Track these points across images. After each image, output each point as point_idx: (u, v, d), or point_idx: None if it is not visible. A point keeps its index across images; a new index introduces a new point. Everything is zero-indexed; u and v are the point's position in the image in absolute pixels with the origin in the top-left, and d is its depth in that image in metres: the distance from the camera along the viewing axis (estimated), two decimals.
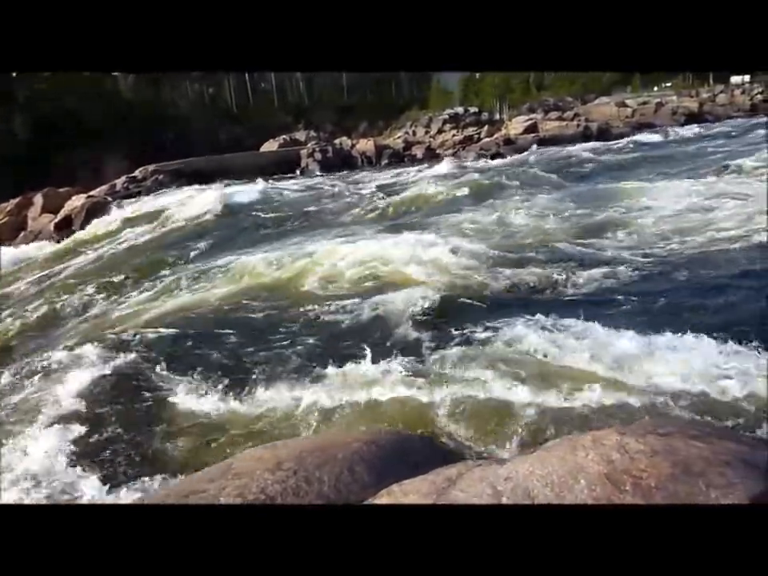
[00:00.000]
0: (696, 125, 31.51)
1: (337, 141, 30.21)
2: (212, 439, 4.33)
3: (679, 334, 4.69)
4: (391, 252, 8.27)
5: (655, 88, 50.93)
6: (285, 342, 5.91)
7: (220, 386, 5.07)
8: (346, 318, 6.35)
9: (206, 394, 4.96)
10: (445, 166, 19.97)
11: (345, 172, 23.77)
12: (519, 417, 3.99)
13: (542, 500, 2.01)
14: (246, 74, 42.79)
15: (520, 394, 4.22)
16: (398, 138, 31.89)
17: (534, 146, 25.34)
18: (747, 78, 51.52)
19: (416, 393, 4.45)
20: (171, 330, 6.48)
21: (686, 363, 4.32)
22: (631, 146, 22.64)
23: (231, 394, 4.90)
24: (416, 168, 21.94)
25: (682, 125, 32.76)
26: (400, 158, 28.03)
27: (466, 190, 14.14)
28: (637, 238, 8.41)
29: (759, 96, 43.24)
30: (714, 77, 53.98)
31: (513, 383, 4.40)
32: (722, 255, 7.10)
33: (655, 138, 25.34)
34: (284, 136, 32.22)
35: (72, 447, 4.32)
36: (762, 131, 22.53)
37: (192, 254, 11.01)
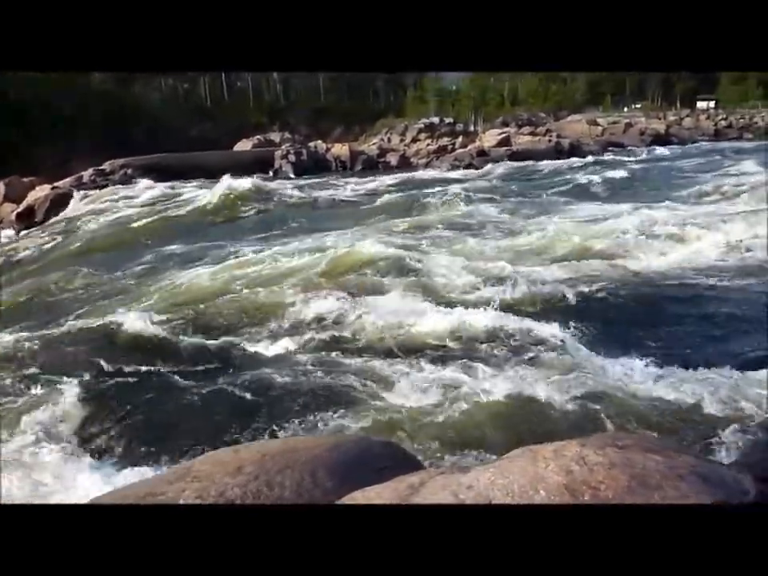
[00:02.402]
0: (664, 146, 32.59)
1: (312, 144, 30.09)
2: None
3: (636, 358, 4.85)
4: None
5: (625, 109, 52.22)
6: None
7: None
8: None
9: None
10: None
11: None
12: (483, 427, 4.02)
13: None
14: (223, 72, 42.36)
15: (484, 405, 4.26)
16: (373, 144, 31.93)
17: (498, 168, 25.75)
18: (713, 104, 53.30)
19: (383, 399, 4.46)
20: None
21: (643, 383, 4.44)
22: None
23: None
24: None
25: (649, 145, 33.73)
26: (374, 165, 28.08)
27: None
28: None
29: (723, 122, 44.80)
30: (680, 101, 55.67)
31: (477, 392, 4.44)
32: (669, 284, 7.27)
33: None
34: (258, 136, 31.92)
35: None
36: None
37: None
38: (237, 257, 9.20)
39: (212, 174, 21.10)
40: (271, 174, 25.18)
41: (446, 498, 2.10)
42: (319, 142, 30.74)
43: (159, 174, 21.06)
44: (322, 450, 2.84)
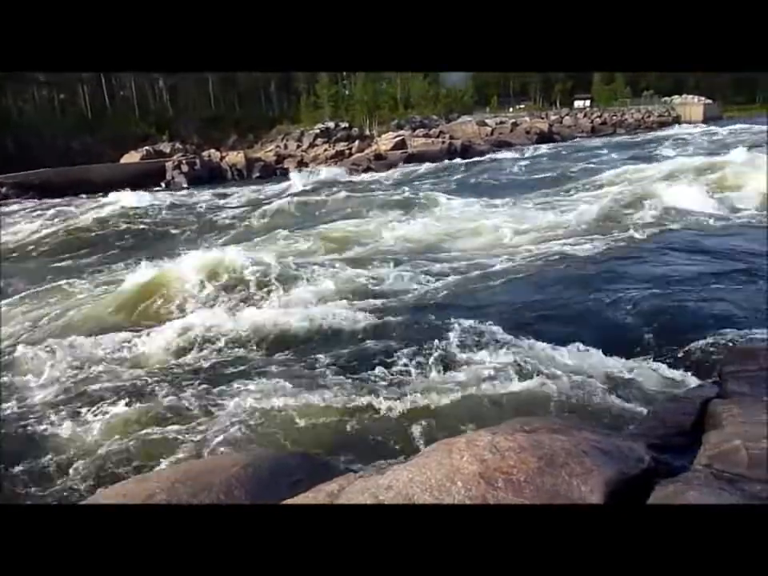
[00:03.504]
0: (548, 143, 34.71)
1: (205, 153, 29.17)
2: None
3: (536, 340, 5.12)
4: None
5: (511, 109, 54.94)
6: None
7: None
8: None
9: None
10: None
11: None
12: (398, 425, 4.06)
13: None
14: (103, 80, 40.01)
15: (399, 403, 4.30)
16: (270, 151, 31.49)
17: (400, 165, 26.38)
18: (588, 103, 57.30)
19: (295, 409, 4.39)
20: None
21: (545, 365, 4.68)
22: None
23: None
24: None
25: (535, 143, 35.73)
26: (272, 172, 27.70)
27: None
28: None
29: (598, 119, 48.29)
30: (560, 101, 59.36)
31: (387, 392, 4.48)
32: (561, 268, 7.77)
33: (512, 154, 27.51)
34: (147, 147, 30.47)
35: None
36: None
37: None
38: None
39: (98, 189, 19.91)
40: (163, 185, 24.19)
41: (365, 501, 2.09)
42: (213, 150, 29.87)
43: (38, 190, 19.57)
44: (237, 469, 2.74)
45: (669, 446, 3.03)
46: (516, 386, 4.41)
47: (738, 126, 34.80)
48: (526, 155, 27.66)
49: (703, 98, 58.35)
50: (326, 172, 23.73)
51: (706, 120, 50.20)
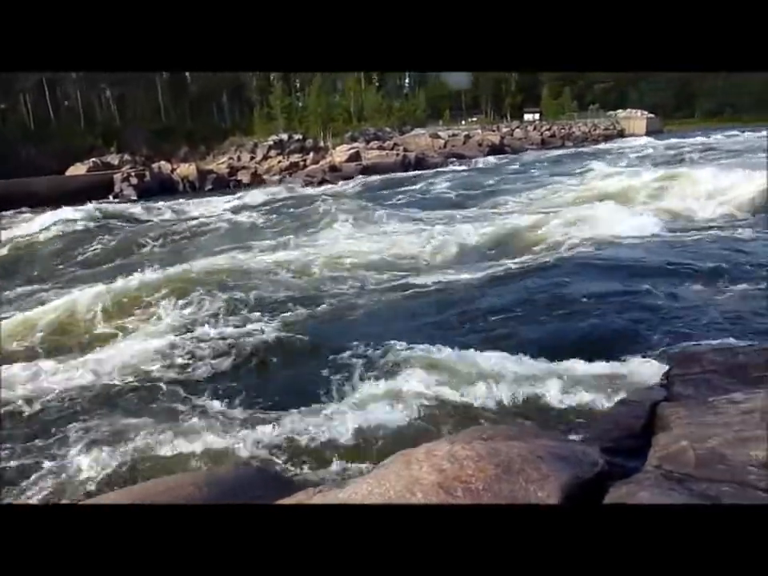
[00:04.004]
0: (500, 155, 35.59)
1: (155, 165, 28.55)
2: None
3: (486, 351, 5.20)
4: None
5: (463, 122, 55.95)
6: None
7: None
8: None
9: None
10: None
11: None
12: (357, 439, 4.04)
13: None
14: (47, 89, 38.70)
15: (352, 417, 4.29)
16: (222, 163, 31.10)
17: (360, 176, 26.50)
18: (537, 116, 58.94)
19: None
20: None
21: (499, 374, 4.75)
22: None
23: None
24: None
25: (487, 155, 36.49)
26: (225, 184, 27.35)
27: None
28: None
29: (547, 132, 49.74)
30: (510, 114, 60.81)
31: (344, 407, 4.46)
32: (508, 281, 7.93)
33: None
34: (94, 159, 29.60)
35: None
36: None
37: None
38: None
39: (41, 203, 19.22)
40: (111, 198, 23.54)
41: None
42: (163, 162, 29.27)
43: None
44: (192, 489, 2.67)
45: (621, 448, 3.12)
46: (470, 395, 4.46)
47: (673, 140, 36.54)
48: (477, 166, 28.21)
49: (646, 113, 60.88)
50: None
51: (649, 133, 52.39)
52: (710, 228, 10.12)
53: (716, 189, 12.40)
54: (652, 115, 60.55)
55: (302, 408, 4.52)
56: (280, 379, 5.29)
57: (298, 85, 53.97)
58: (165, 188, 25.67)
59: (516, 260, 8.70)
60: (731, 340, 4.85)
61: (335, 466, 3.77)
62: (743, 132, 41.48)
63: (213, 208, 18.65)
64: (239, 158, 32.28)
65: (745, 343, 4.54)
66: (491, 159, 32.70)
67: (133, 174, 25.76)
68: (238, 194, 21.76)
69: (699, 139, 34.99)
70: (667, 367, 4.28)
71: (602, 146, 40.59)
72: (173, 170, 27.94)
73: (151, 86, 42.65)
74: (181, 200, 20.83)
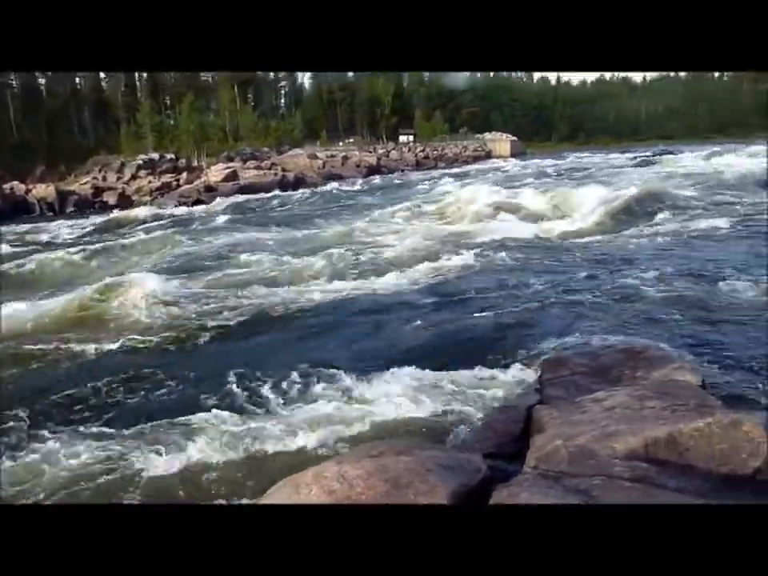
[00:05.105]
0: (377, 176, 36.47)
1: (7, 185, 25.96)
2: None
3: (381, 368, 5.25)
4: None
5: (340, 143, 56.70)
6: None
7: None
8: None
9: None
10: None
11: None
12: (240, 469, 3.89)
13: None
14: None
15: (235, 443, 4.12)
16: (86, 183, 28.97)
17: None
18: (411, 138, 61.21)
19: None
20: None
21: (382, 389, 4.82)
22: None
23: None
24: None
25: (365, 176, 37.24)
26: (89, 205, 25.51)
27: None
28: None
29: (421, 153, 51.78)
30: (386, 135, 62.63)
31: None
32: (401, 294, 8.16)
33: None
34: None
35: None
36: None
37: None
38: None
39: None
40: None
41: None
42: (16, 183, 26.71)
43: None
44: None
45: (502, 452, 3.27)
46: (357, 413, 4.46)
47: (536, 160, 39.62)
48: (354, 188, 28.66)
49: (510, 136, 65.44)
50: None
51: (514, 155, 56.33)
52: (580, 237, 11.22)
53: (583, 203, 13.78)
54: (515, 138, 65.18)
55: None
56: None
57: (168, 102, 51.91)
58: (18, 210, 23.42)
59: (372, 280, 8.82)
60: (595, 341, 5.25)
61: (223, 492, 3.60)
62: (594, 154, 46.05)
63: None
64: (104, 178, 30.25)
65: (606, 344, 4.95)
66: (377, 180, 33.22)
67: None
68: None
69: (567, 160, 38.34)
70: (540, 372, 4.56)
71: (477, 166, 42.69)
72: (28, 191, 25.60)
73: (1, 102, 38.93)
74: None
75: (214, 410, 4.65)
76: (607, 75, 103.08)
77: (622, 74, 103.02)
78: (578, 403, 3.28)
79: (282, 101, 73.38)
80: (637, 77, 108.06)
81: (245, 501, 3.43)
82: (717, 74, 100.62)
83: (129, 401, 5.13)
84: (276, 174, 32.18)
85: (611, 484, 2.21)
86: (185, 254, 12.00)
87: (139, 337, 6.66)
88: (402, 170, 42.64)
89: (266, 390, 5.04)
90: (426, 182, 27.67)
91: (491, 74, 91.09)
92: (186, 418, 4.56)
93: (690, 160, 27.48)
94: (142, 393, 5.24)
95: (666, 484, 2.26)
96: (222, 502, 3.49)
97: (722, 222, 11.17)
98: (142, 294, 8.02)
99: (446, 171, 36.89)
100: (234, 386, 5.18)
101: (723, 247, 9.45)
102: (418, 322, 6.61)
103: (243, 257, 10.82)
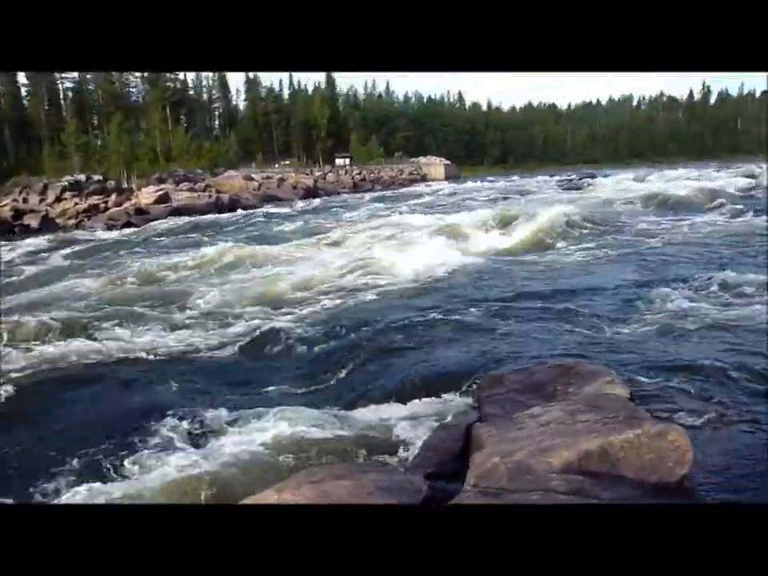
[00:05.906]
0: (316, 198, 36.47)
1: None
2: None
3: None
4: None
5: (276, 165, 56.47)
6: None
7: None
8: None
9: None
10: None
11: None
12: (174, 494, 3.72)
13: None
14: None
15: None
16: (5, 205, 27.46)
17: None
18: (348, 161, 61.73)
19: None
20: None
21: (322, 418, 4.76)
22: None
23: None
24: None
25: (302, 198, 37.17)
26: (9, 229, 24.16)
27: None
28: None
29: (358, 176, 52.29)
30: (322, 158, 62.90)
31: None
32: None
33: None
34: None
35: None
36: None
37: None
38: None
39: None
40: None
41: None
42: None
43: None
44: None
45: (443, 471, 3.28)
46: (295, 439, 4.38)
47: (470, 183, 40.81)
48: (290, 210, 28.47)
49: (444, 159, 67.13)
50: None
51: (448, 178, 57.79)
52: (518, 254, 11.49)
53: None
54: (449, 162, 66.92)
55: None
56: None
57: (96, 122, 50.26)
58: None
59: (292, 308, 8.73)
60: (529, 359, 5.38)
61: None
62: (523, 177, 48.04)
63: None
64: (26, 200, 28.80)
65: (539, 362, 5.09)
66: (317, 201, 33.04)
67: None
68: None
69: (498, 183, 39.69)
70: (477, 389, 4.63)
71: (416, 188, 43.28)
72: None
73: None
74: None
75: None
76: (534, 102, 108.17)
77: (549, 101, 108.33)
78: (514, 420, 3.34)
79: (216, 122, 72.50)
80: (562, 104, 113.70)
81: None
82: (635, 103, 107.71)
83: None
84: (210, 196, 31.62)
85: (548, 498, 2.25)
86: None
87: None
88: (339, 192, 42.88)
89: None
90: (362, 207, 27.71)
91: (424, 98, 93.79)
92: None
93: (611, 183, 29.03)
94: None
95: (599, 495, 2.33)
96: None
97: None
98: None
99: (383, 193, 37.29)
100: None
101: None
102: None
103: None
